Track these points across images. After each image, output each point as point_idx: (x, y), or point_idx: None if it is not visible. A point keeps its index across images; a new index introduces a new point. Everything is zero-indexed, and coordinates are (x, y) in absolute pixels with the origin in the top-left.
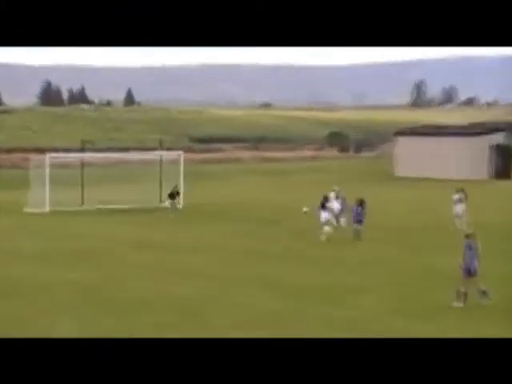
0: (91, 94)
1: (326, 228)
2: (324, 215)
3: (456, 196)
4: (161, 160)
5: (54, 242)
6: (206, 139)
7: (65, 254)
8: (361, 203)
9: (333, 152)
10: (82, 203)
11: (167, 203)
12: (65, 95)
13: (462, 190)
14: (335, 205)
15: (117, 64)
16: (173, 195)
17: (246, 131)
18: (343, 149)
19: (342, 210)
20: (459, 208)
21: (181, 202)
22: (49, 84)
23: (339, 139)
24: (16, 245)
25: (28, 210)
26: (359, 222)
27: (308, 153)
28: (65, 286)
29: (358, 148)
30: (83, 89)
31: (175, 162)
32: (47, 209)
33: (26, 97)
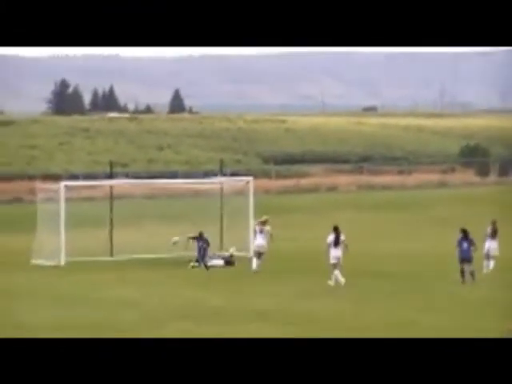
0: (123, 97)
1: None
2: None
3: None
4: (222, 190)
5: (72, 312)
6: (287, 159)
7: (89, 332)
8: (466, 235)
9: (467, 175)
10: (112, 252)
11: (232, 251)
12: (86, 99)
13: None
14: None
15: (158, 53)
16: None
17: (344, 147)
18: (482, 170)
19: None
20: None
21: (251, 249)
22: (64, 84)
23: (476, 157)
24: (19, 318)
25: (36, 261)
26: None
27: (432, 176)
28: None
29: (504, 169)
30: (112, 90)
31: (242, 192)
32: (62, 260)
33: (30, 102)
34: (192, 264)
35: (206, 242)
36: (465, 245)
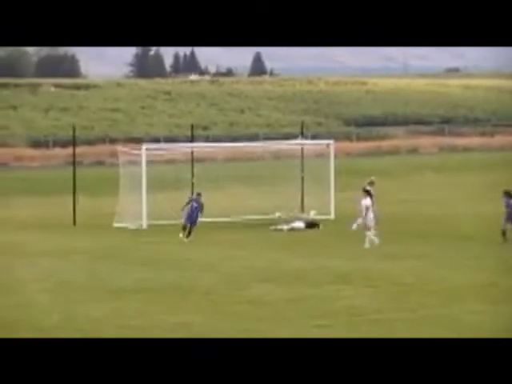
0: (204, 59)
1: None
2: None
3: None
4: (302, 152)
5: (154, 274)
6: (368, 121)
7: (174, 293)
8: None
9: None
10: None
11: (313, 214)
12: (167, 62)
13: None
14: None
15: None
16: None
17: (426, 109)
18: None
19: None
20: None
21: (331, 212)
22: (145, 47)
23: None
24: (101, 282)
25: (118, 224)
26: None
27: None
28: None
29: None
30: (193, 53)
31: (323, 154)
32: (144, 223)
33: (113, 65)
34: (274, 227)
35: (201, 206)
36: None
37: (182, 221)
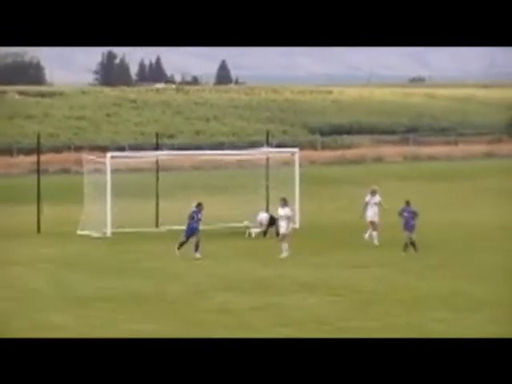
0: (170, 68)
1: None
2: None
3: None
4: (267, 161)
5: (118, 283)
6: (333, 130)
7: (139, 304)
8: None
9: None
10: (157, 223)
11: (245, 223)
12: (133, 70)
13: None
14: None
15: None
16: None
17: (390, 118)
18: None
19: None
20: None
21: (297, 220)
22: (111, 55)
23: None
24: (66, 289)
25: (82, 232)
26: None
27: (479, 147)
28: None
29: None
30: (158, 61)
31: (288, 162)
32: (109, 231)
33: (78, 73)
34: (247, 235)
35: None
36: (406, 215)
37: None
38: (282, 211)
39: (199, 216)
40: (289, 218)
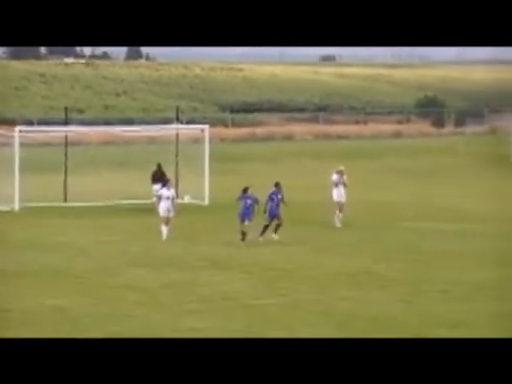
0: None
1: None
2: None
3: None
4: (177, 137)
5: (26, 257)
6: (244, 108)
7: (41, 276)
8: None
9: (423, 126)
10: (65, 198)
11: (186, 199)
12: None
13: None
14: None
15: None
16: (159, 179)
17: (301, 96)
18: (438, 122)
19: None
20: None
21: (206, 197)
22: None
23: (433, 108)
24: None
25: None
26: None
27: (388, 127)
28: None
29: (460, 120)
30: None
31: (198, 139)
32: (16, 206)
33: None
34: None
35: (255, 199)
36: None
37: (239, 220)
38: (168, 192)
39: (279, 196)
40: (173, 200)
